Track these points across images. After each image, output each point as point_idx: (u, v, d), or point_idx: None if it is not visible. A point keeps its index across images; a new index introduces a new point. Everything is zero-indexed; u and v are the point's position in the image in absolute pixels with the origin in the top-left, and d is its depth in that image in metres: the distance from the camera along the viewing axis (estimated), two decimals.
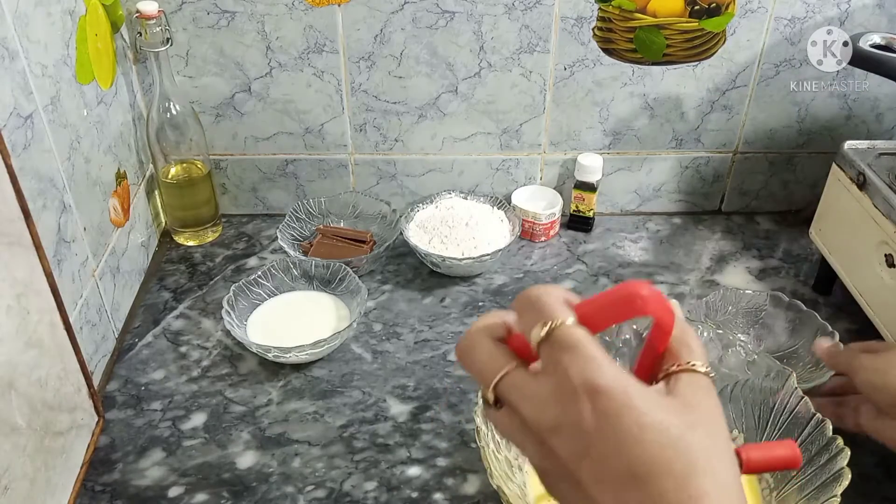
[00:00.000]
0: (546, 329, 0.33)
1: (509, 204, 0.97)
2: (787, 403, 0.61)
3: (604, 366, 0.32)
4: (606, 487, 0.31)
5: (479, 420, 0.60)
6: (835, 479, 0.54)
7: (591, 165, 0.95)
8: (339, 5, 0.86)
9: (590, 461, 0.32)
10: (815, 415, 0.59)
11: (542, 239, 0.98)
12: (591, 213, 0.99)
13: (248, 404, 0.74)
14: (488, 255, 0.88)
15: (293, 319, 0.82)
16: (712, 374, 0.35)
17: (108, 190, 0.81)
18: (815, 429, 0.58)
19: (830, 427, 0.58)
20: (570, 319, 0.33)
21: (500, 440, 0.62)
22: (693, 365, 0.35)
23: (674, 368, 0.35)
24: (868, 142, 0.83)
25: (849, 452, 0.55)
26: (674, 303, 0.36)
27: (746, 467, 0.35)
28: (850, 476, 0.54)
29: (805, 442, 0.58)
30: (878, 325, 0.75)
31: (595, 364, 0.32)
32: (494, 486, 0.55)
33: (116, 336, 0.81)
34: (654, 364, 0.36)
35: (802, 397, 0.60)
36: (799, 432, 0.59)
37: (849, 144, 0.83)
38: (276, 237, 0.93)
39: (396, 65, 0.90)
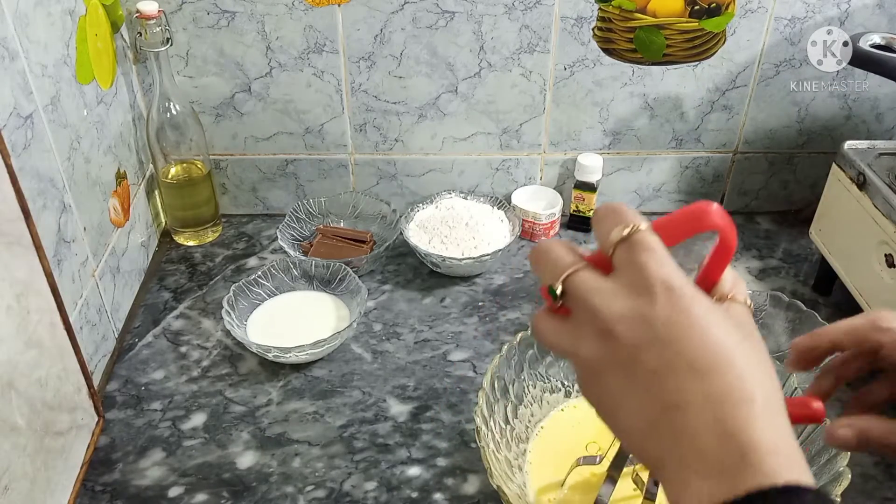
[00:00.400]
0: (627, 231, 0.36)
1: (509, 204, 0.97)
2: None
3: (676, 270, 0.35)
4: (667, 376, 0.33)
5: (479, 420, 0.60)
6: (835, 479, 0.54)
7: (591, 165, 0.95)
8: (339, 5, 0.86)
9: (655, 349, 0.33)
10: None
11: (543, 239, 0.98)
12: (591, 213, 0.99)
13: (248, 404, 0.74)
14: (488, 255, 0.88)
15: (293, 319, 0.82)
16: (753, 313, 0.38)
17: (108, 190, 0.81)
18: (815, 430, 0.58)
19: None
20: (648, 226, 0.36)
21: (500, 440, 0.62)
22: (748, 303, 0.38)
23: (729, 296, 0.38)
24: (868, 142, 0.83)
25: (849, 453, 0.55)
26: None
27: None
28: (850, 477, 0.54)
29: (805, 443, 0.58)
30: None
31: (668, 266, 0.35)
32: (494, 486, 0.55)
33: (116, 336, 0.81)
34: (709, 289, 0.39)
35: None
36: (798, 433, 0.59)
37: (849, 144, 0.83)
38: (276, 237, 0.93)
39: (396, 65, 0.90)
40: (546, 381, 0.70)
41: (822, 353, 0.46)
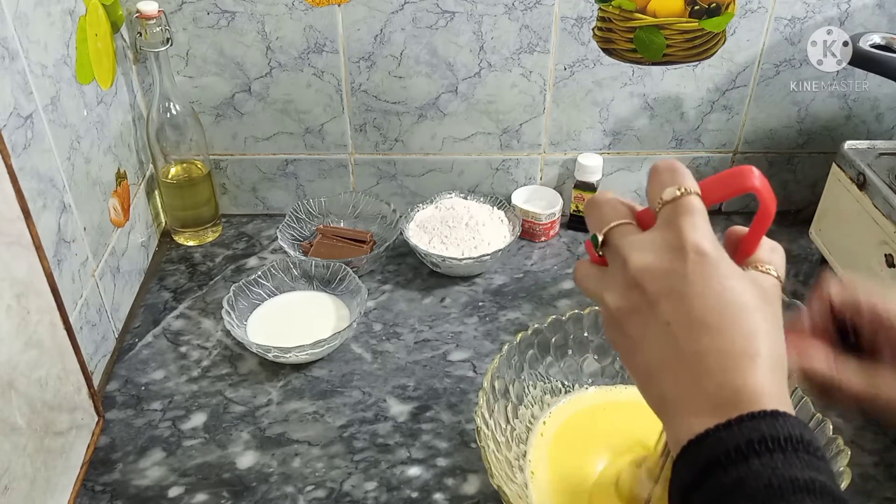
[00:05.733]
0: (679, 192, 0.39)
1: (509, 204, 0.97)
2: None
3: (710, 235, 0.38)
4: (680, 328, 0.36)
5: (479, 420, 0.60)
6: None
7: (591, 165, 0.95)
8: (339, 5, 0.86)
9: (678, 303, 0.37)
10: (815, 415, 0.59)
11: (542, 239, 0.98)
12: None
13: (248, 404, 0.74)
14: (488, 255, 0.88)
15: (293, 319, 0.82)
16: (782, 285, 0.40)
17: (108, 190, 0.81)
18: (816, 428, 0.58)
19: (831, 427, 0.58)
20: (697, 191, 0.39)
21: (500, 440, 0.62)
22: (776, 274, 0.40)
23: (760, 267, 0.40)
24: (868, 142, 0.83)
25: (849, 453, 0.55)
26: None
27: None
28: (850, 477, 0.54)
29: None
30: None
31: (704, 231, 0.38)
32: (495, 486, 0.55)
33: (116, 336, 0.81)
34: (747, 255, 0.41)
35: (803, 398, 0.60)
36: None
37: (849, 144, 0.83)
38: (276, 237, 0.93)
39: (396, 65, 0.90)
40: (546, 381, 0.69)
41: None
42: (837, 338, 0.47)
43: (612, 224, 0.41)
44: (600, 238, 0.41)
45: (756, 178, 0.38)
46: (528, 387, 0.68)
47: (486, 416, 0.61)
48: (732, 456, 0.33)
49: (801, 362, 0.45)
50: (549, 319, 0.69)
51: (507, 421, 0.65)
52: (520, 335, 0.67)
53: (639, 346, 0.39)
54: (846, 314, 0.47)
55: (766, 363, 0.35)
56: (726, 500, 0.33)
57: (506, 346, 0.66)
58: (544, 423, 0.68)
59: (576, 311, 0.70)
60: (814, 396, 0.49)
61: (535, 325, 0.68)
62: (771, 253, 0.41)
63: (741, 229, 0.41)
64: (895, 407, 0.44)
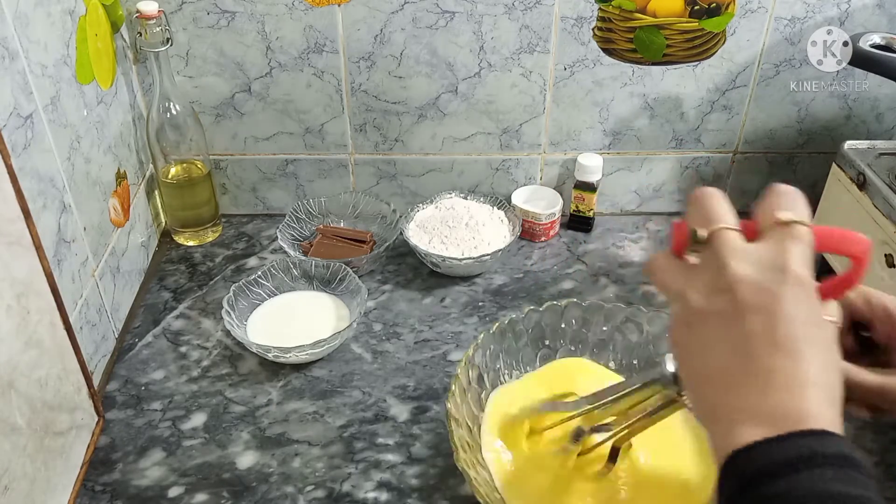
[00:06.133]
0: (793, 217, 0.39)
1: (509, 204, 0.97)
2: None
3: (811, 269, 0.39)
4: (757, 344, 0.37)
5: (450, 405, 0.61)
6: None
7: (591, 165, 0.95)
8: (339, 5, 0.86)
9: (764, 318, 0.37)
10: None
11: (542, 239, 0.98)
12: (591, 213, 0.99)
13: (248, 404, 0.74)
14: (488, 255, 0.88)
15: (293, 319, 0.82)
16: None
17: (108, 190, 0.81)
18: None
19: None
20: (809, 223, 0.40)
21: (471, 425, 0.64)
22: (838, 322, 0.43)
23: (829, 316, 0.41)
24: (868, 142, 0.83)
25: None
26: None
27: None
28: None
29: None
30: None
31: (808, 262, 0.39)
32: (460, 468, 0.57)
33: (116, 336, 0.81)
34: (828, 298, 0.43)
35: None
36: None
37: (849, 144, 0.83)
38: (276, 237, 0.93)
39: (396, 65, 0.90)
40: (522, 370, 0.71)
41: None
42: (855, 343, 0.49)
43: (722, 225, 0.41)
44: (705, 235, 0.41)
45: (868, 252, 0.40)
46: (503, 376, 0.70)
47: (458, 401, 0.63)
48: (782, 468, 0.34)
49: None
50: (525, 310, 0.71)
51: (482, 408, 0.67)
52: (496, 325, 0.69)
53: (707, 350, 0.39)
54: (861, 316, 0.48)
55: (827, 395, 0.36)
56: None
57: (482, 335, 0.68)
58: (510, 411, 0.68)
59: (554, 302, 0.72)
60: None
61: (512, 316, 0.70)
62: (836, 307, 0.44)
63: (827, 279, 0.43)
64: None
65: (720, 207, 0.42)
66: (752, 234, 0.40)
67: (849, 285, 0.42)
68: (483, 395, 0.68)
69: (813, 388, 0.36)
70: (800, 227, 0.39)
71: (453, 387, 0.63)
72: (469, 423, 0.64)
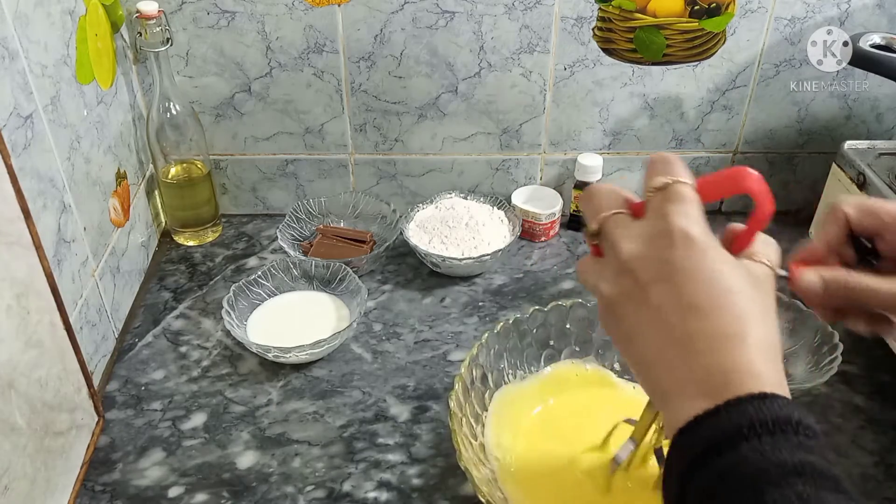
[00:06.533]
0: (668, 181, 0.39)
1: (509, 204, 0.97)
2: None
3: (699, 222, 0.38)
4: (670, 312, 0.37)
5: (453, 404, 0.61)
6: None
7: (591, 165, 0.95)
8: (339, 5, 0.86)
9: (666, 286, 0.37)
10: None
11: (542, 239, 0.98)
12: None
13: (248, 404, 0.74)
14: (488, 255, 0.88)
15: (293, 319, 0.82)
16: (782, 275, 0.42)
17: (108, 190, 0.81)
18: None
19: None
20: (689, 181, 0.40)
21: (474, 425, 0.64)
22: (769, 262, 0.41)
23: (753, 258, 0.40)
24: (868, 142, 0.83)
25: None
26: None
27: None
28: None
29: None
30: None
31: (693, 218, 0.38)
32: (463, 468, 0.57)
33: (116, 336, 0.81)
34: (738, 251, 0.41)
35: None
36: None
37: (849, 144, 0.83)
38: (276, 237, 0.93)
39: (396, 65, 0.90)
40: (526, 370, 0.71)
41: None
42: (854, 253, 0.47)
43: (607, 213, 0.41)
44: (594, 227, 0.42)
45: (754, 180, 0.39)
46: (507, 375, 0.70)
47: (462, 401, 0.63)
48: (723, 443, 0.33)
49: (823, 274, 0.45)
50: (531, 310, 0.71)
51: (485, 408, 0.67)
52: (500, 324, 0.69)
53: (633, 333, 0.39)
54: (864, 230, 0.46)
55: (756, 345, 0.35)
56: (719, 488, 0.33)
57: (486, 335, 0.68)
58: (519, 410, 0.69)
59: (558, 302, 0.72)
60: (824, 312, 0.48)
61: (517, 315, 0.70)
62: (764, 245, 0.41)
63: (738, 226, 0.41)
64: None
65: (604, 198, 0.42)
66: (643, 213, 0.41)
67: (759, 224, 0.41)
68: (487, 395, 0.68)
69: (736, 341, 0.35)
70: (677, 187, 0.39)
71: (456, 385, 0.63)
72: (472, 423, 0.64)
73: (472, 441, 0.62)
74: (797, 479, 0.32)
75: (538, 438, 0.65)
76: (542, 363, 0.72)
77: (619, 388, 0.71)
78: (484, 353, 0.67)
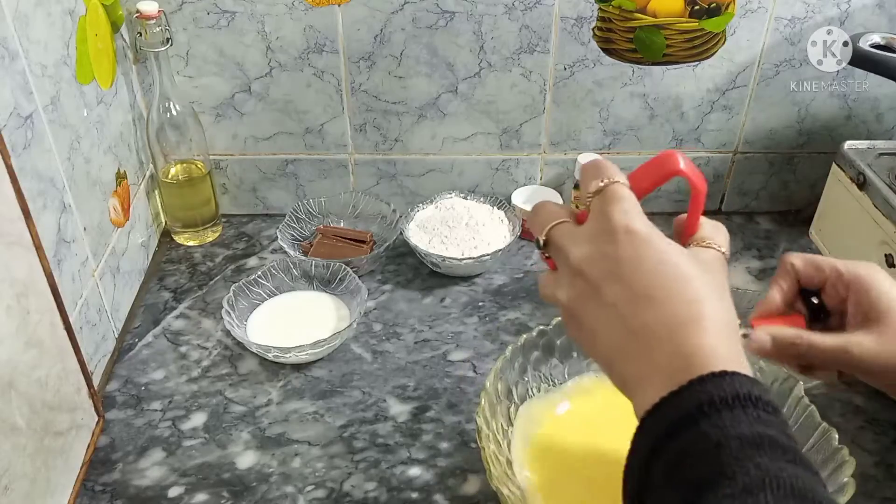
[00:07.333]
0: (602, 184, 0.41)
1: (509, 204, 0.97)
2: (794, 412, 0.60)
3: (639, 216, 0.40)
4: (625, 306, 0.38)
5: (480, 421, 0.59)
6: (839, 490, 0.54)
7: None
8: (339, 5, 0.86)
9: (618, 283, 0.38)
10: (820, 424, 0.58)
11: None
12: None
13: (248, 404, 0.74)
14: (488, 255, 0.88)
15: (293, 319, 0.82)
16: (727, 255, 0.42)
17: (108, 190, 0.81)
18: (821, 438, 0.58)
19: (836, 436, 0.57)
20: (622, 180, 0.41)
21: (501, 441, 0.62)
22: (718, 245, 0.42)
23: (701, 244, 0.42)
24: (868, 142, 0.83)
25: (854, 462, 0.54)
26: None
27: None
28: (854, 487, 0.53)
29: (811, 450, 0.58)
30: None
31: (633, 214, 0.40)
32: (494, 488, 0.55)
33: (116, 336, 0.81)
34: (687, 237, 0.43)
35: (809, 406, 0.59)
36: (804, 441, 0.58)
37: (849, 144, 0.83)
38: (276, 237, 0.93)
39: (396, 65, 0.90)
40: (550, 383, 0.69)
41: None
42: (805, 309, 0.50)
43: (551, 224, 0.43)
44: (542, 240, 0.43)
45: (680, 162, 0.40)
46: (531, 389, 0.67)
47: (488, 416, 0.61)
48: (684, 421, 0.34)
49: (773, 333, 0.47)
50: (555, 321, 0.68)
51: (510, 423, 0.65)
52: (524, 336, 0.67)
53: (594, 333, 0.40)
54: (810, 283, 0.49)
55: (713, 326, 0.36)
56: (682, 465, 0.33)
57: (510, 348, 0.65)
58: (543, 423, 0.67)
59: None
60: (793, 369, 0.51)
61: (541, 327, 0.68)
62: (713, 230, 0.43)
63: (684, 216, 0.43)
64: (867, 362, 0.46)
65: (548, 211, 0.44)
66: (586, 220, 0.42)
67: (698, 205, 0.42)
68: (511, 410, 0.65)
69: (693, 325, 0.36)
70: (612, 187, 0.41)
71: (482, 401, 0.61)
72: (499, 439, 0.62)
73: (499, 458, 0.60)
74: (755, 450, 0.32)
75: (564, 454, 0.64)
76: (566, 377, 0.69)
77: None
78: (508, 366, 0.65)
